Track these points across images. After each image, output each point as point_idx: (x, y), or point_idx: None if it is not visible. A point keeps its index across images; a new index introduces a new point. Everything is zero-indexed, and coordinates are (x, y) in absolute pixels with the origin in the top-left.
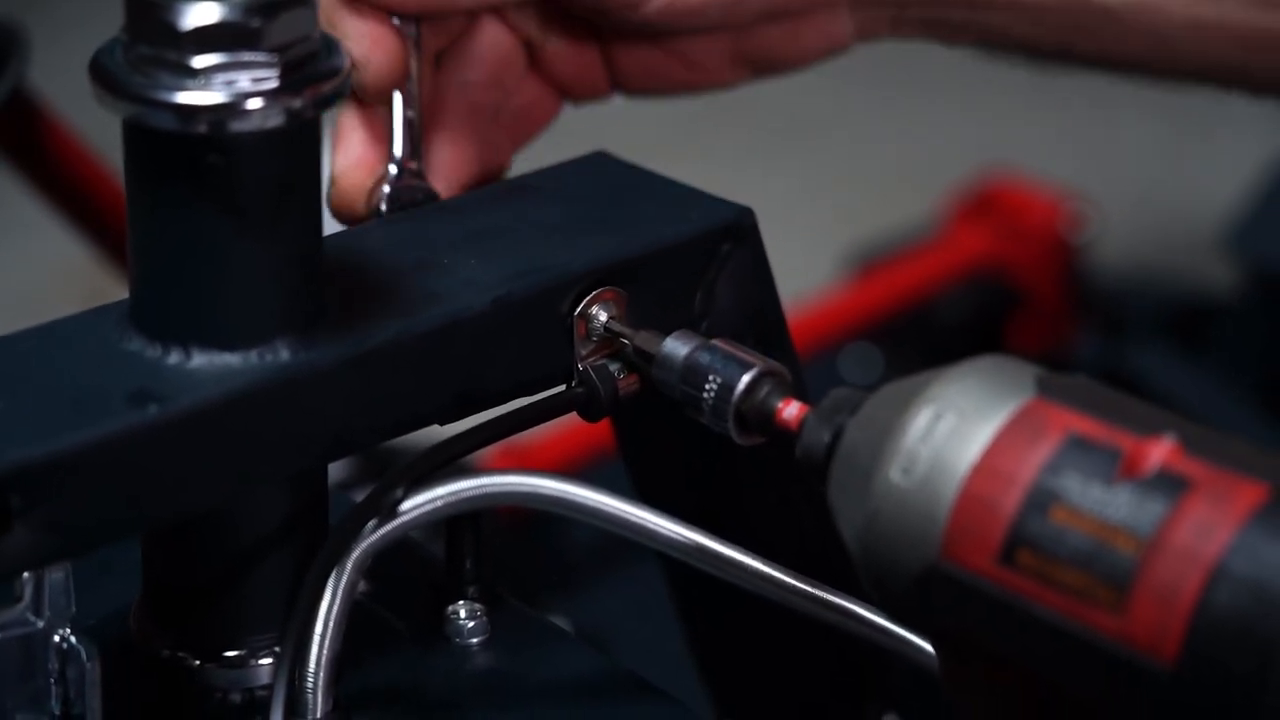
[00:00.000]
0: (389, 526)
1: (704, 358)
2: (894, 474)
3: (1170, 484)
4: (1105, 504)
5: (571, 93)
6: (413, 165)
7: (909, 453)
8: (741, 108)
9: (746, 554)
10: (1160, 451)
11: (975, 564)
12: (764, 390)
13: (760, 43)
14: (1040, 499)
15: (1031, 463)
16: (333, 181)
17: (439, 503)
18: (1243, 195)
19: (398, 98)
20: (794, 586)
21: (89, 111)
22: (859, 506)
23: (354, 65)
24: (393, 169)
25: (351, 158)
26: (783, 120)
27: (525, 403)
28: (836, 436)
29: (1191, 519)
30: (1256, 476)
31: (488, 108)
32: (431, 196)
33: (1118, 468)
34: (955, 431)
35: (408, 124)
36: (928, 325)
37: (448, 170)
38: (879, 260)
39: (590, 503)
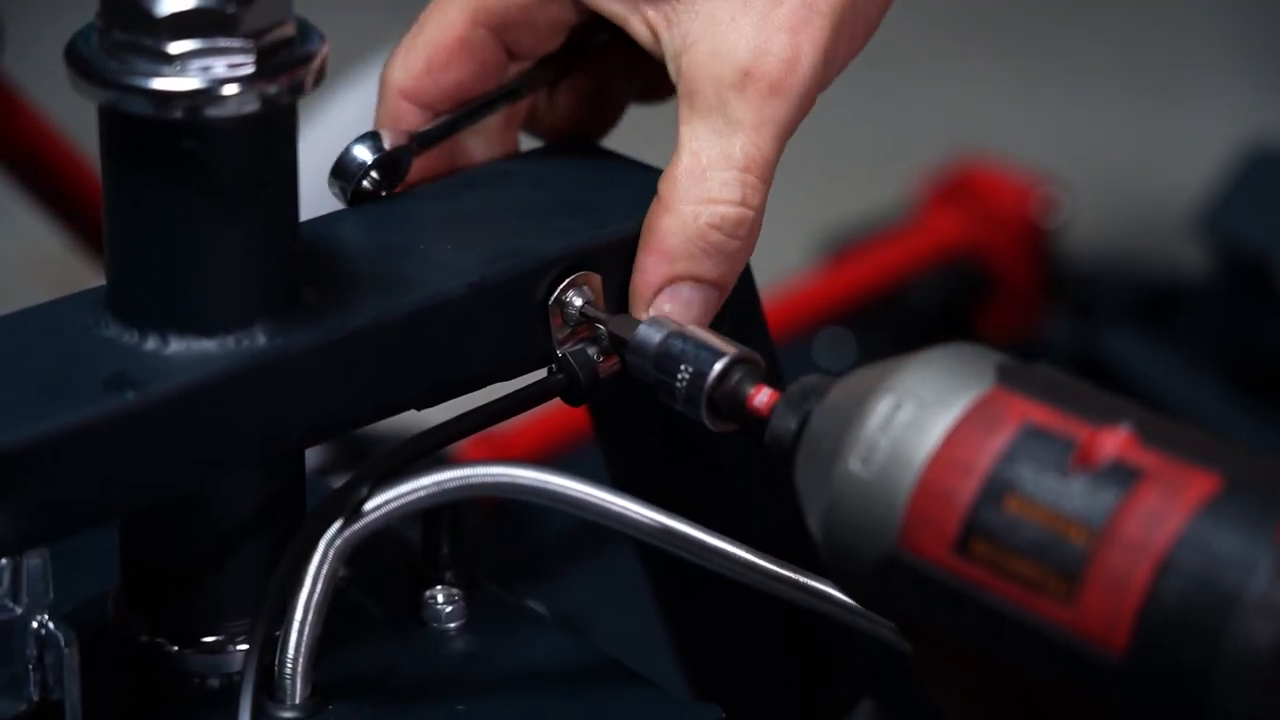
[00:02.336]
0: (365, 520)
1: (677, 345)
2: (854, 463)
3: (1123, 475)
4: (1058, 494)
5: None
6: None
7: (868, 441)
8: None
9: (723, 539)
10: (1114, 441)
11: (932, 553)
12: (736, 377)
13: None
14: (995, 489)
15: (988, 452)
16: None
17: (421, 494)
18: (1213, 179)
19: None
20: (770, 571)
21: (65, 98)
22: (821, 493)
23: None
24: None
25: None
26: None
27: (506, 391)
28: (803, 423)
29: (1142, 510)
30: (1211, 466)
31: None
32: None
33: (1072, 457)
34: (914, 421)
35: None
36: (900, 310)
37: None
38: (851, 245)
39: (569, 492)
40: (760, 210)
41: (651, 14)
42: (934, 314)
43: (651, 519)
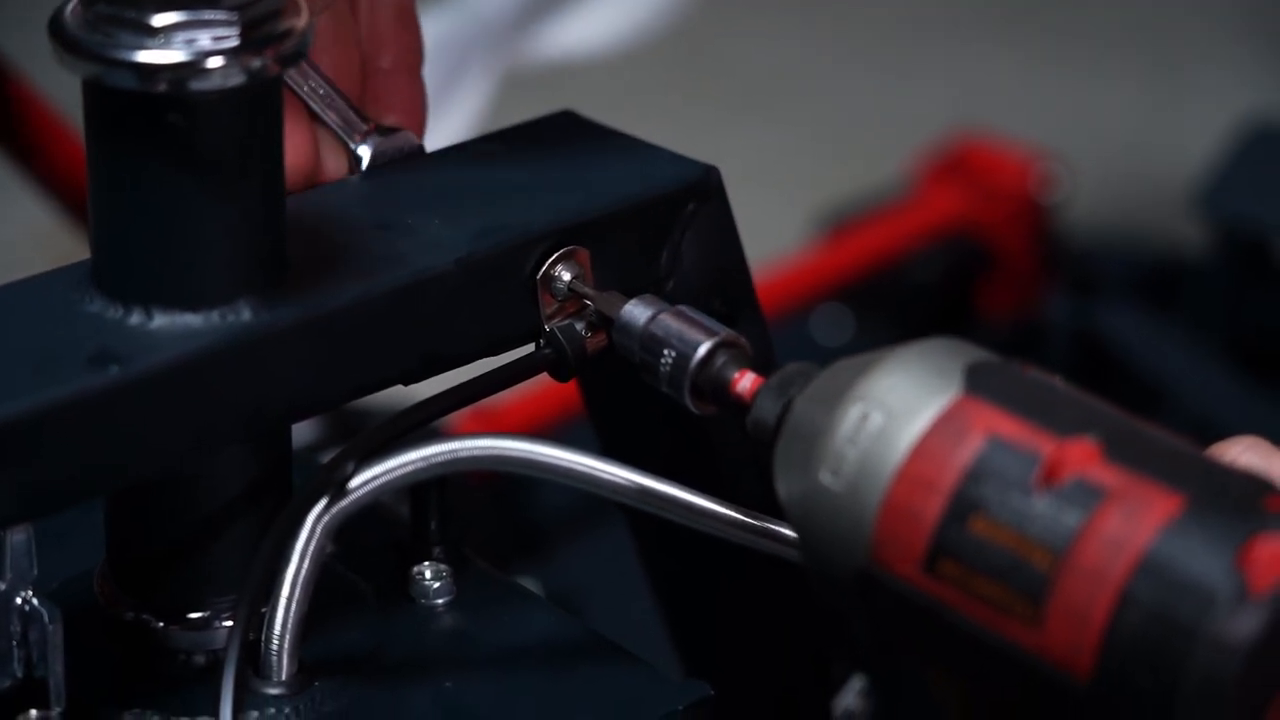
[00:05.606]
0: (353, 496)
1: (662, 326)
2: (824, 475)
3: (1086, 494)
4: (1022, 516)
5: None
6: (368, 126)
7: (837, 453)
8: (711, 67)
9: (711, 499)
10: (1078, 458)
11: (902, 571)
12: (719, 361)
13: None
14: (960, 508)
15: (952, 469)
16: None
17: (408, 468)
18: (1214, 156)
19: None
20: (759, 527)
21: (55, 73)
22: (796, 501)
23: None
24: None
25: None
26: (753, 80)
27: (493, 366)
28: (784, 412)
29: (1103, 535)
30: (1173, 485)
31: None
32: (417, 148)
33: (1036, 474)
34: (881, 433)
35: (326, 98)
36: (899, 286)
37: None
38: (850, 221)
39: (557, 461)
40: None
41: None
42: (933, 290)
43: (640, 484)
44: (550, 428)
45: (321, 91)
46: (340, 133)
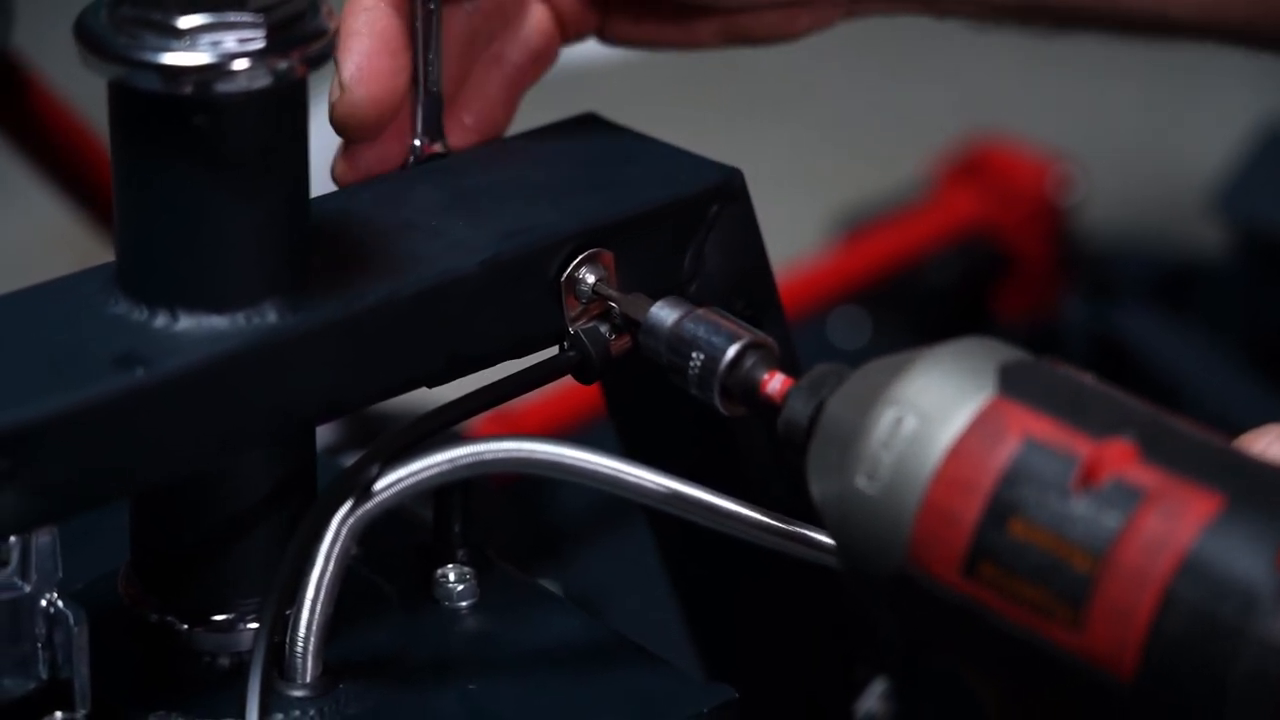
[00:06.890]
0: (377, 498)
1: (690, 328)
2: (860, 479)
3: (1124, 495)
4: (1061, 518)
5: (564, 26)
6: (436, 148)
7: (872, 457)
8: (730, 71)
9: (738, 502)
10: (1115, 459)
11: (941, 573)
12: (749, 363)
13: (758, 23)
14: (999, 511)
15: (990, 471)
16: (342, 91)
17: (433, 471)
18: (1231, 157)
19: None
20: (785, 530)
21: (76, 74)
22: (832, 504)
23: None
24: (417, 142)
25: (356, 66)
26: (770, 83)
27: (518, 368)
28: (816, 413)
29: (1143, 537)
30: (1212, 484)
31: (492, 55)
32: None
33: (1074, 476)
34: (916, 437)
35: (430, 102)
36: (916, 288)
37: (463, 136)
38: (867, 224)
39: (583, 464)
40: None
41: None
42: (949, 293)
43: (667, 487)
44: (568, 430)
45: (434, 90)
46: (420, 119)
